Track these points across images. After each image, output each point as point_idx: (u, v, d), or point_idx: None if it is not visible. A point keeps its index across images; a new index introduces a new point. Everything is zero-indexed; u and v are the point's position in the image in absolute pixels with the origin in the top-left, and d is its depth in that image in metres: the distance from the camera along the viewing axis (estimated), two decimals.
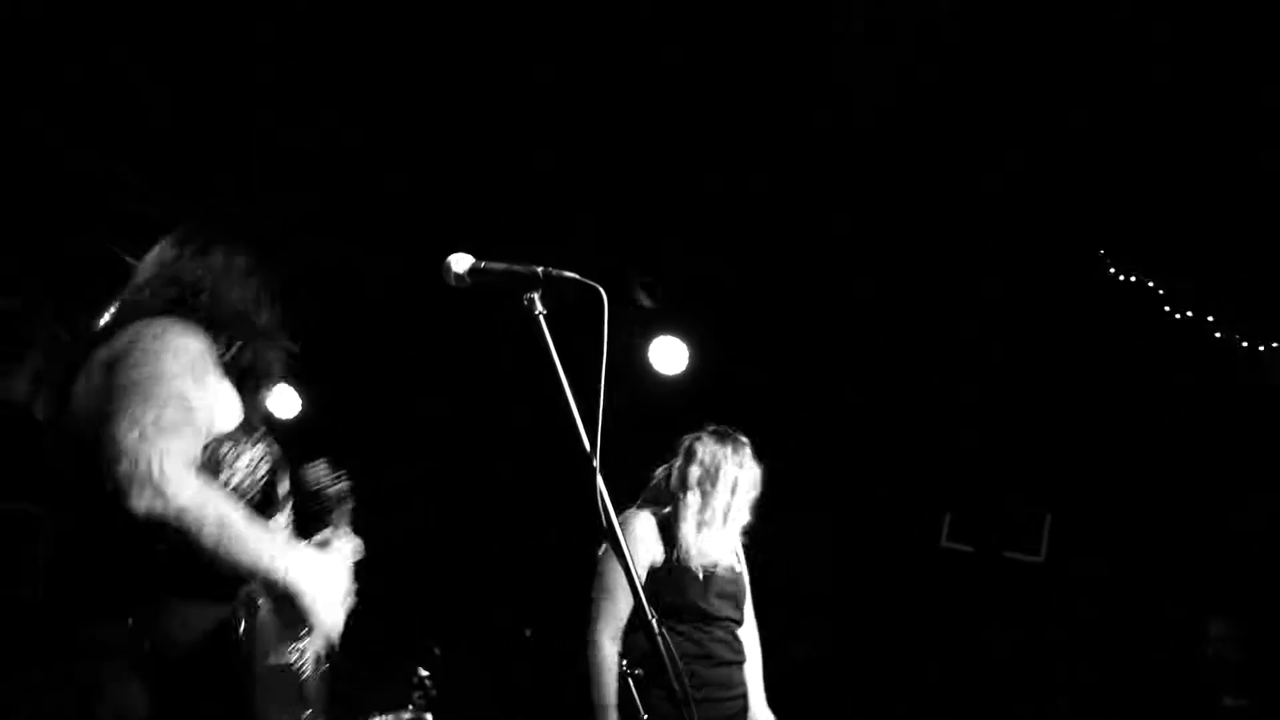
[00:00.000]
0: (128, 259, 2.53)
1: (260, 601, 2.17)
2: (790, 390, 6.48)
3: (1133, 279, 5.75)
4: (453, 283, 2.15)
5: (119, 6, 4.20)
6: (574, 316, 2.10)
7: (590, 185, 5.17)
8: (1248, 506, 6.15)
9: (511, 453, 6.63)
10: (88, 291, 2.58)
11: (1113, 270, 5.72)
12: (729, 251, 5.88)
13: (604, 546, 3.75)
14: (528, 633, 6.11)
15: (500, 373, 5.95)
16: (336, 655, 2.54)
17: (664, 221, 5.58)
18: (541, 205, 5.24)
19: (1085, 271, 5.80)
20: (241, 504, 2.19)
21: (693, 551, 3.75)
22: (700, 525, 3.79)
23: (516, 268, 2.11)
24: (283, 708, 2.24)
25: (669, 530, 3.80)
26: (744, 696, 3.84)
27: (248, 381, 2.43)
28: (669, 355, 6.35)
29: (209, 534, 2.06)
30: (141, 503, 2.01)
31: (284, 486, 2.43)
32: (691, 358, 6.34)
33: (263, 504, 2.30)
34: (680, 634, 3.72)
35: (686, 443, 3.93)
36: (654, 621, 2.06)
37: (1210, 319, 5.77)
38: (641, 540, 3.78)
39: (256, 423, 2.42)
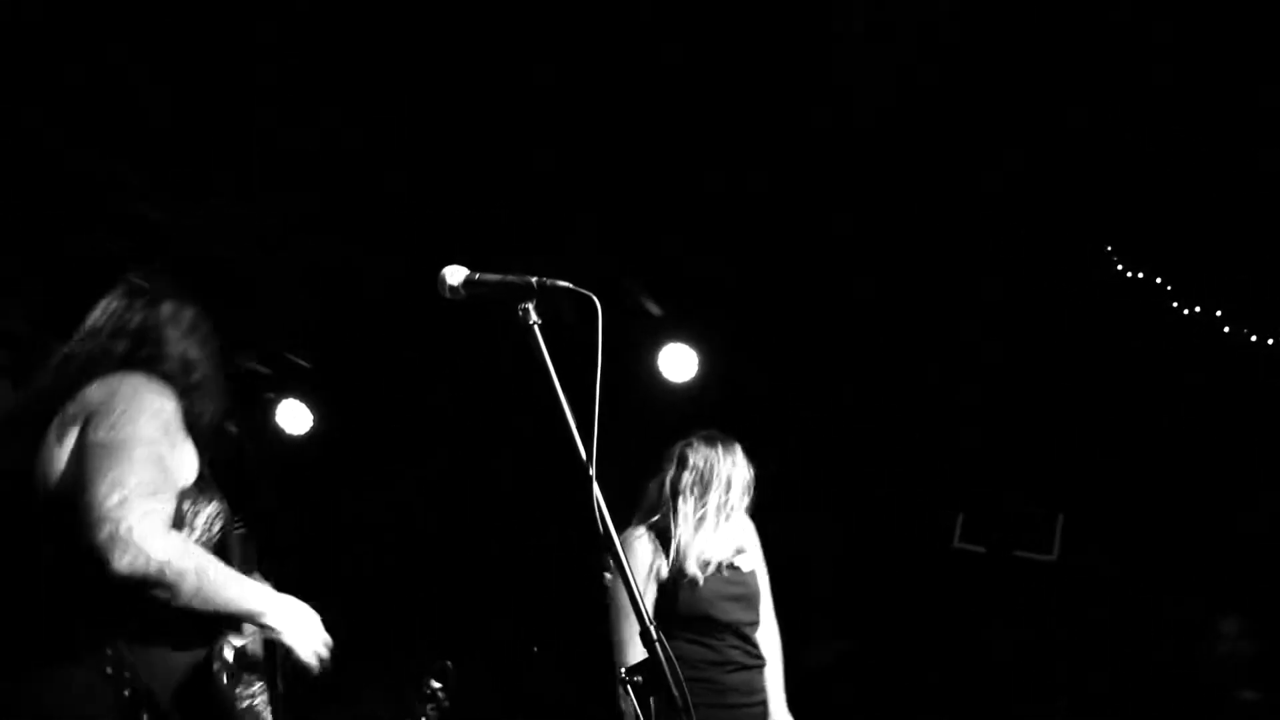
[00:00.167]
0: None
1: (231, 646, 2.30)
2: (800, 394, 6.48)
3: (1140, 275, 5.74)
4: (448, 295, 2.16)
5: (119, 6, 4.19)
6: (584, 326, 2.10)
7: (590, 186, 5.17)
8: (1258, 505, 6.15)
9: (518, 460, 6.64)
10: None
11: (1120, 266, 5.71)
12: (731, 254, 5.88)
13: (609, 576, 3.75)
14: (535, 649, 6.09)
15: (508, 377, 5.96)
16: (304, 690, 2.68)
17: (665, 223, 5.58)
18: (541, 205, 5.24)
19: (1089, 270, 5.79)
20: None
21: (691, 556, 3.72)
22: (697, 528, 3.77)
23: (510, 278, 2.11)
24: None
25: (667, 541, 3.78)
26: (765, 702, 3.81)
27: (195, 435, 2.49)
28: (678, 363, 6.37)
29: (189, 583, 2.17)
30: (123, 563, 2.10)
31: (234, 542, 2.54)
32: (701, 364, 6.37)
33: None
34: (694, 642, 3.70)
35: (677, 450, 3.92)
36: (652, 629, 2.06)
37: (1219, 313, 5.76)
38: (644, 559, 3.75)
39: (207, 476, 2.50)
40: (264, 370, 6.89)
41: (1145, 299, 5.80)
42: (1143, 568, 6.33)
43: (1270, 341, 5.80)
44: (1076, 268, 5.79)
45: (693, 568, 3.72)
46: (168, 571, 2.13)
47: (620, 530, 3.72)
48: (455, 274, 2.15)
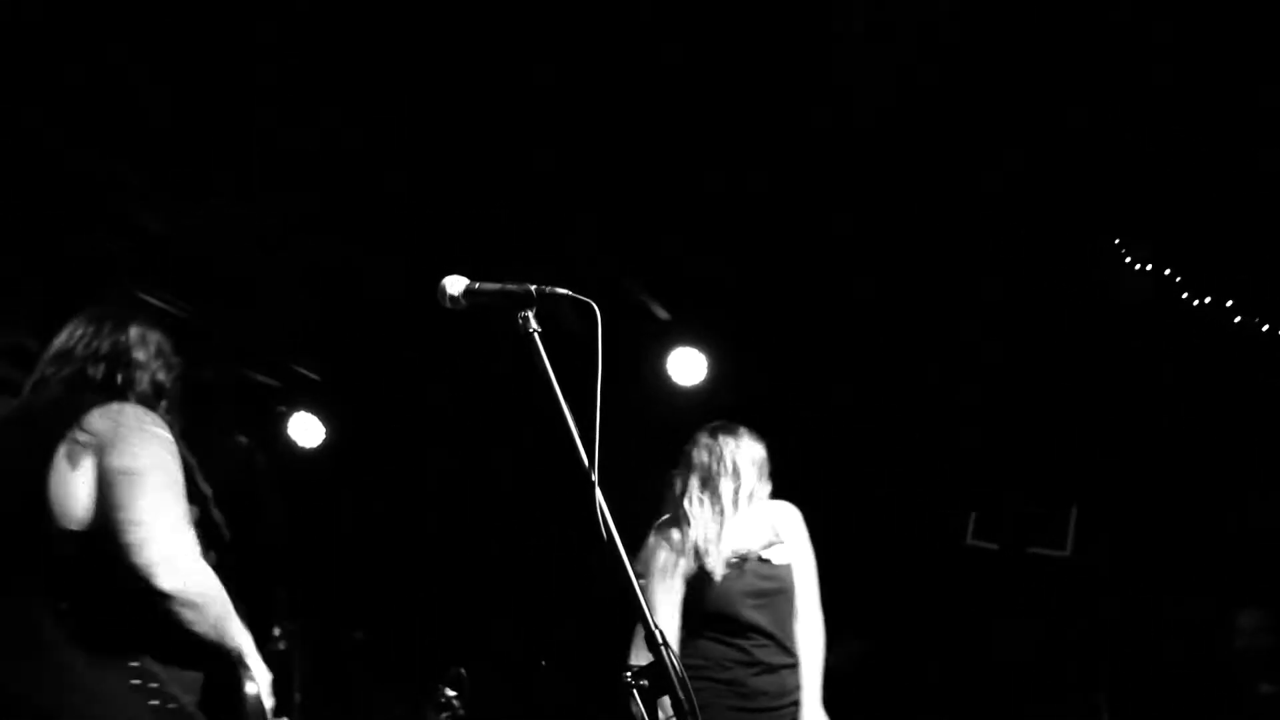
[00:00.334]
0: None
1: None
2: (808, 395, 6.48)
3: (1149, 267, 5.73)
4: (448, 305, 2.17)
5: (119, 7, 4.19)
6: (586, 333, 2.10)
7: (592, 187, 5.17)
8: (1273, 497, 6.14)
9: (529, 468, 6.64)
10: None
11: (1129, 259, 5.71)
12: (736, 255, 5.88)
13: (640, 566, 3.72)
14: (543, 663, 6.10)
15: (518, 385, 5.96)
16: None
17: (669, 225, 5.58)
18: (543, 208, 5.24)
19: (1093, 266, 5.78)
20: None
21: (711, 552, 3.67)
22: (713, 521, 3.72)
23: (509, 287, 2.12)
24: None
25: (687, 538, 3.73)
26: (797, 704, 3.71)
27: None
28: (687, 366, 6.38)
29: (214, 610, 2.41)
30: (169, 583, 2.33)
31: None
32: (710, 367, 6.37)
33: None
34: (719, 641, 3.67)
35: (684, 449, 3.88)
36: (657, 633, 2.07)
37: (1230, 303, 5.76)
38: (666, 560, 3.71)
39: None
40: (273, 383, 6.92)
41: (1156, 291, 5.79)
42: (1157, 562, 6.32)
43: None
44: (1082, 263, 5.78)
45: (712, 563, 3.66)
46: (202, 596, 2.37)
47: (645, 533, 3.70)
48: (455, 284, 2.16)
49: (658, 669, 2.02)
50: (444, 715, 4.01)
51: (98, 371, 2.57)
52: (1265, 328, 5.79)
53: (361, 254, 5.56)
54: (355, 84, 4.53)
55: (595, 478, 2.03)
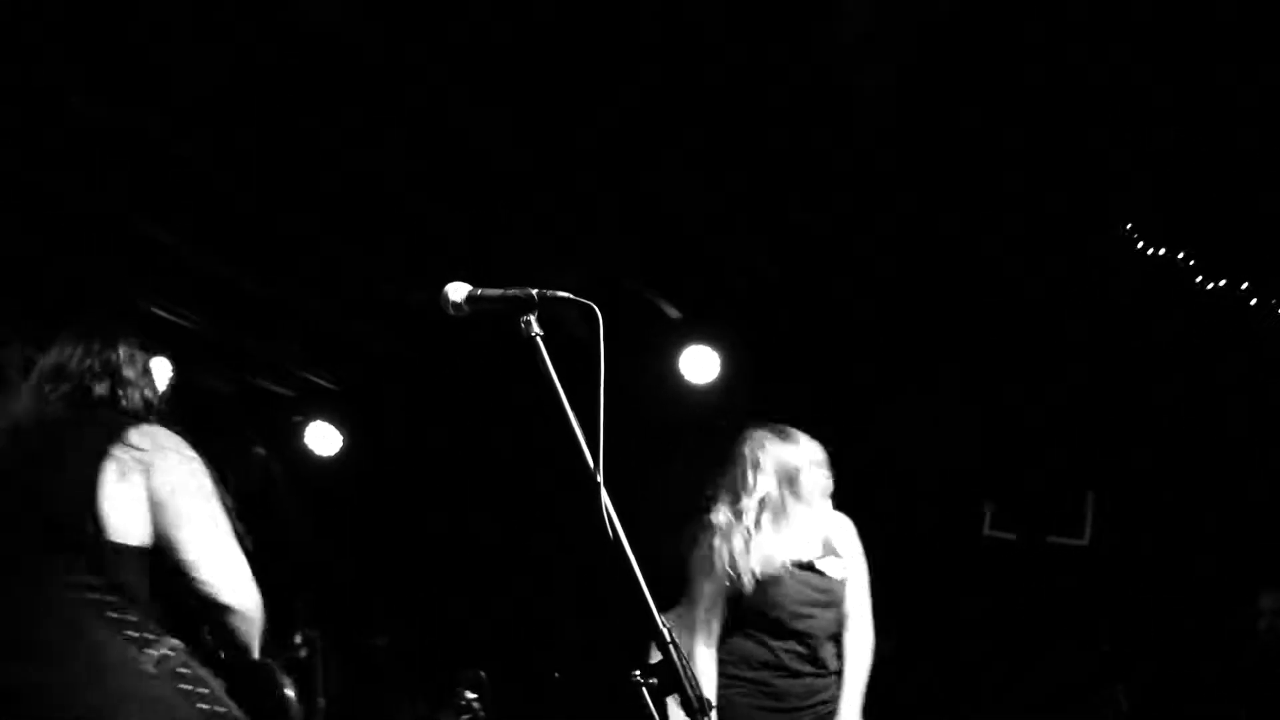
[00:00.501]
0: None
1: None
2: (821, 391, 6.47)
3: (1162, 251, 5.70)
4: (451, 312, 2.19)
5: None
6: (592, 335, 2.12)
7: (598, 188, 5.18)
8: None
9: (551, 472, 6.66)
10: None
11: (1142, 244, 5.68)
12: (750, 253, 5.89)
13: (693, 551, 3.75)
14: (556, 675, 6.11)
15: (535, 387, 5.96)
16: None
17: (680, 223, 5.59)
18: (553, 209, 5.25)
19: (1109, 254, 5.75)
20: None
21: (753, 553, 3.65)
22: (758, 525, 3.70)
23: (511, 291, 2.14)
24: None
25: (733, 535, 3.71)
26: (824, 704, 3.72)
27: None
28: (700, 364, 6.40)
29: (258, 626, 2.59)
30: (234, 598, 2.53)
31: None
32: (723, 365, 6.39)
33: None
34: (753, 639, 3.69)
35: (740, 448, 3.84)
36: (666, 632, 2.08)
37: (1245, 285, 5.72)
38: (718, 559, 3.69)
39: None
40: (288, 393, 6.98)
41: (1168, 276, 5.75)
42: (1176, 547, 6.29)
43: None
44: (1097, 250, 5.75)
45: (755, 565, 3.65)
46: (254, 610, 2.56)
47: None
48: (457, 291, 2.18)
49: (666, 667, 2.04)
50: (464, 717, 4.05)
51: (101, 388, 2.67)
52: None
53: (378, 258, 5.59)
54: (356, 85, 4.52)
55: (600, 479, 2.05)
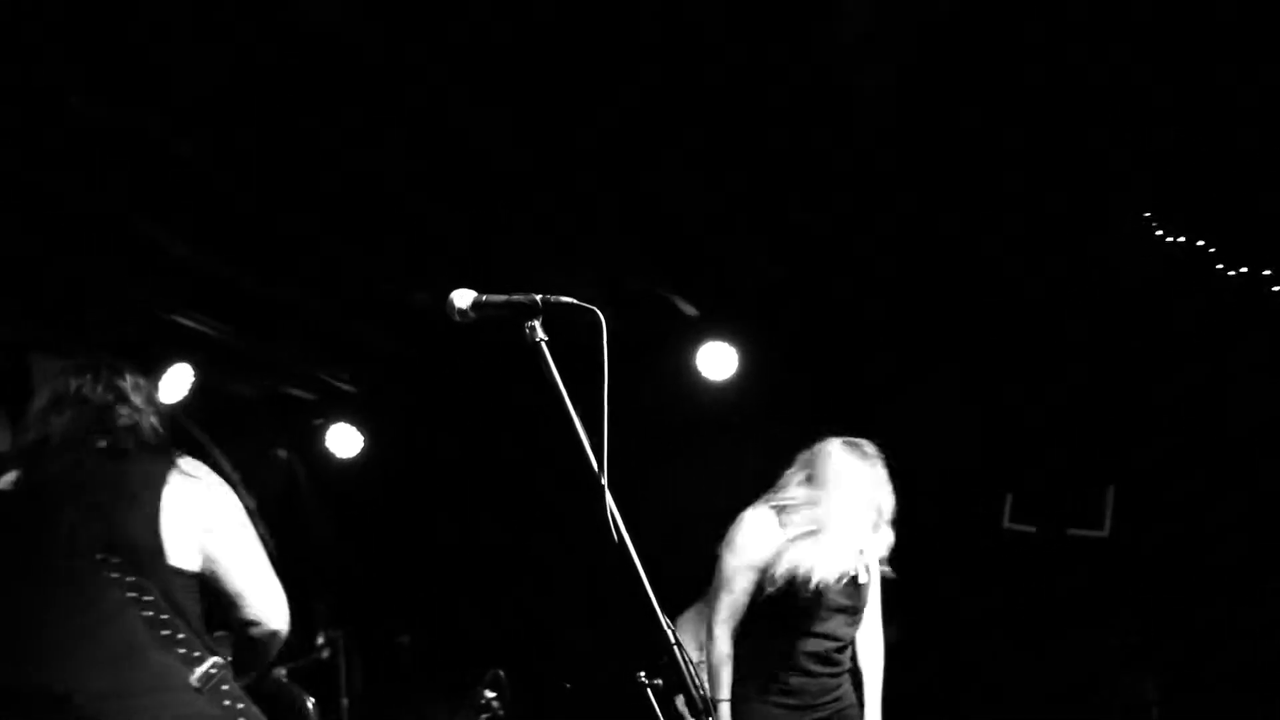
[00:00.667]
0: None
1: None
2: (838, 385, 6.46)
3: (1181, 239, 5.66)
4: (457, 318, 2.22)
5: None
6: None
7: (606, 188, 5.18)
8: None
9: (570, 471, 6.66)
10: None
11: (1160, 232, 5.64)
12: (763, 250, 5.88)
13: (733, 540, 3.78)
14: (567, 686, 6.13)
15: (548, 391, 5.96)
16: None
17: (692, 223, 5.58)
18: (566, 211, 5.25)
19: (1127, 244, 5.72)
20: None
21: (799, 563, 3.66)
22: (809, 535, 3.71)
23: (516, 297, 2.17)
24: None
25: (780, 536, 3.74)
26: (837, 701, 3.78)
27: None
28: (717, 361, 6.40)
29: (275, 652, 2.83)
30: (280, 624, 2.78)
31: None
32: (740, 361, 6.39)
33: None
34: (774, 634, 3.71)
35: (808, 454, 3.87)
36: (670, 633, 2.10)
37: (1267, 273, 5.67)
38: (754, 536, 3.74)
39: None
40: (309, 396, 7.01)
41: (1188, 264, 5.71)
42: (1198, 539, 6.25)
43: None
44: (1114, 242, 5.72)
45: (791, 567, 3.66)
46: (287, 631, 2.80)
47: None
48: (463, 297, 2.21)
49: (671, 668, 2.06)
50: (484, 717, 4.07)
51: (125, 415, 2.79)
52: None
53: (378, 258, 5.60)
54: (356, 85, 4.53)
55: (605, 480, 2.08)
